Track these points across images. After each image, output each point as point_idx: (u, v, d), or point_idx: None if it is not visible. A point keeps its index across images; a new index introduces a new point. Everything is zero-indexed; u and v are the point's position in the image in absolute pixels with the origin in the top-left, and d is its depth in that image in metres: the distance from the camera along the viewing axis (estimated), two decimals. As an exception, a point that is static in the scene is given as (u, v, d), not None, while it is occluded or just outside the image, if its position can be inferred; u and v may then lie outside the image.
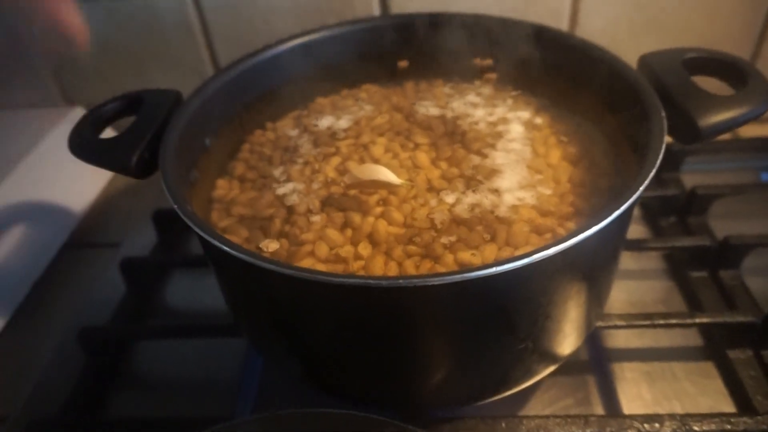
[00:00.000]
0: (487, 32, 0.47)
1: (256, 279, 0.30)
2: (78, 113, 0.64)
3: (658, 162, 0.30)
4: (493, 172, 0.37)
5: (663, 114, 0.33)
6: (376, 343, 0.30)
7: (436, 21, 0.47)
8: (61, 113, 0.63)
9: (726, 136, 0.64)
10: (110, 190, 0.65)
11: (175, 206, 0.30)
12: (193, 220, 0.29)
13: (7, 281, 0.51)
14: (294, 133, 0.44)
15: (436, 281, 0.24)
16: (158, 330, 0.45)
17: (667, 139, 0.34)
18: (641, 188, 0.28)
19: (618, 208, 0.28)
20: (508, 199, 0.35)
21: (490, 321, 0.29)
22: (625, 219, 0.33)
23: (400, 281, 0.25)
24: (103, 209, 0.63)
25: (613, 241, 0.33)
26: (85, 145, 0.36)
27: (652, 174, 0.29)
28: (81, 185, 0.62)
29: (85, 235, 0.59)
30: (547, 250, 0.26)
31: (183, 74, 0.64)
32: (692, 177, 0.56)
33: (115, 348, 0.44)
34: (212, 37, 0.63)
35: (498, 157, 0.38)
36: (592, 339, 0.45)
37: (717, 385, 0.41)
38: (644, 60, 0.39)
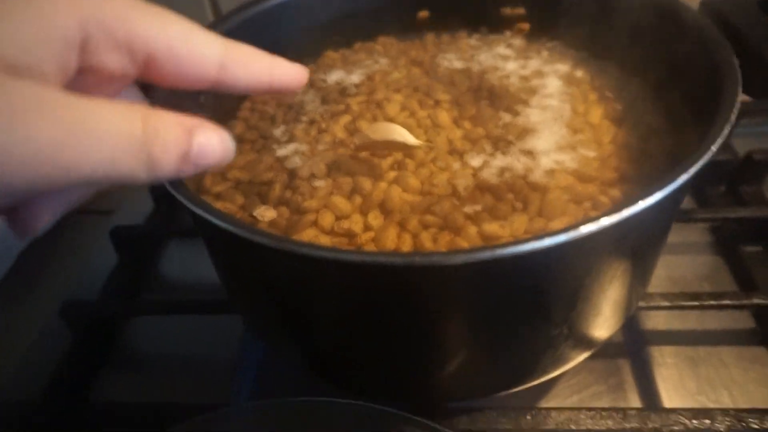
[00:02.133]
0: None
1: (247, 254, 0.26)
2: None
3: (733, 117, 0.25)
4: (526, 132, 0.32)
5: (735, 60, 0.28)
6: (387, 327, 0.26)
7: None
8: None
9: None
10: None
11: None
12: (174, 185, 0.25)
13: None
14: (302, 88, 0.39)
15: (460, 260, 0.20)
16: (150, 306, 0.42)
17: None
18: (713, 148, 0.23)
19: (683, 174, 0.23)
20: (545, 162, 0.30)
21: (522, 304, 0.25)
22: (687, 187, 0.28)
23: (416, 259, 0.20)
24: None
25: (669, 212, 0.28)
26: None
27: (725, 132, 0.24)
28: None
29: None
30: (599, 222, 0.21)
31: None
32: (744, 141, 0.50)
33: (103, 325, 0.41)
34: (213, -15, 0.57)
35: (532, 115, 0.33)
36: (628, 320, 0.41)
37: (771, 373, 0.37)
38: (711, 1, 0.33)
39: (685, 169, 0.22)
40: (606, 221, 0.21)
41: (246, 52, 0.23)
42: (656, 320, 0.41)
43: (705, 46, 0.30)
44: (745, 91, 0.29)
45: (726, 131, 0.24)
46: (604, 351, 0.39)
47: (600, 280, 0.26)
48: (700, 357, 0.38)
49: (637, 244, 0.26)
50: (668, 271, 0.44)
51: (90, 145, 0.17)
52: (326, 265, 0.22)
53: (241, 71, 0.22)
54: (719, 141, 0.23)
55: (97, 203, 0.55)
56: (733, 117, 0.24)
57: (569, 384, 0.38)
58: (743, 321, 0.40)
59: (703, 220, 0.44)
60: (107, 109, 0.18)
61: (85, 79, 0.20)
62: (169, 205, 0.51)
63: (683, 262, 0.44)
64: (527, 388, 0.35)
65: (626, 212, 0.21)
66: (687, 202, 0.48)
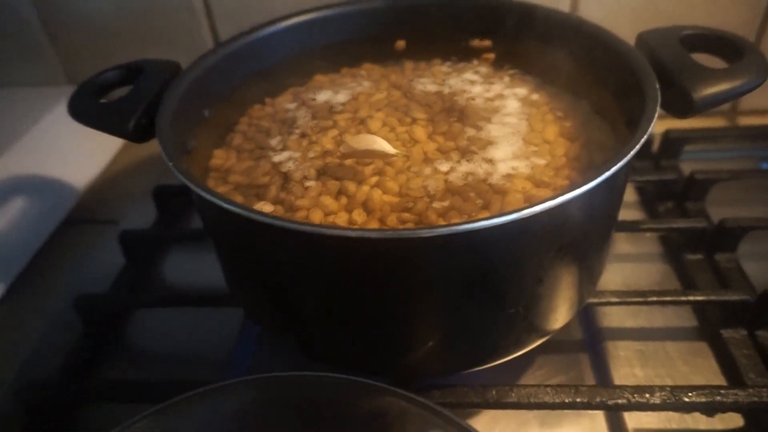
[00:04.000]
0: (484, 13, 0.47)
1: (245, 232, 0.30)
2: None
3: (651, 127, 0.30)
4: (488, 143, 0.37)
5: (657, 85, 0.33)
6: (362, 303, 0.30)
7: (434, 3, 0.48)
8: (64, 92, 0.63)
9: (726, 124, 0.65)
10: (113, 168, 0.65)
11: (170, 163, 0.31)
12: (186, 174, 0.29)
13: (6, 251, 0.51)
14: (292, 106, 0.45)
15: (425, 234, 0.25)
16: (154, 298, 0.45)
17: (663, 113, 0.34)
18: (632, 153, 0.29)
19: (607, 171, 0.28)
20: (502, 168, 0.35)
21: (480, 282, 0.29)
22: (614, 185, 0.33)
23: (389, 233, 0.25)
24: (104, 187, 0.63)
25: (604, 208, 0.33)
26: (84, 108, 0.37)
27: (643, 139, 0.29)
28: (83, 162, 0.63)
29: (86, 211, 0.60)
30: (535, 207, 0.26)
31: (187, 56, 0.64)
32: (691, 165, 0.56)
33: (111, 316, 0.45)
34: (215, 19, 0.63)
35: (493, 130, 0.38)
36: (587, 318, 0.45)
37: (710, 364, 0.41)
38: (642, 37, 0.39)
39: (604, 171, 0.27)
40: (539, 207, 0.25)
41: None
42: (611, 318, 0.45)
43: (636, 75, 0.35)
44: (667, 110, 0.35)
45: (642, 141, 0.29)
46: (566, 346, 0.44)
47: (546, 265, 0.30)
48: (649, 351, 0.43)
49: (578, 235, 0.31)
50: (623, 278, 0.49)
51: None
52: (307, 239, 0.27)
53: None
54: (636, 149, 0.29)
55: (103, 213, 0.59)
56: (649, 129, 0.30)
57: (534, 376, 0.42)
58: (688, 319, 0.44)
59: (651, 230, 0.49)
60: None
61: None
62: (173, 214, 0.55)
63: (636, 270, 0.49)
64: (497, 377, 0.39)
65: (557, 201, 0.26)
66: (639, 217, 0.53)
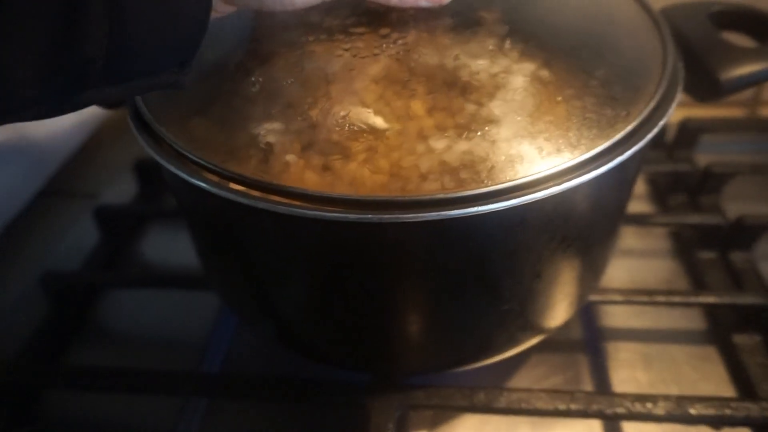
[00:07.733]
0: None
1: (212, 208, 0.27)
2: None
3: (671, 110, 0.27)
4: (489, 122, 0.34)
5: (680, 63, 0.30)
6: (342, 290, 0.28)
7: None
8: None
9: (746, 113, 0.61)
10: (95, 140, 0.62)
11: (135, 132, 0.28)
12: (151, 145, 0.26)
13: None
14: (282, 75, 0.41)
15: (407, 218, 0.22)
16: (127, 278, 0.43)
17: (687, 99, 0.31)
18: (648, 137, 0.25)
19: (620, 156, 0.25)
20: (503, 148, 0.32)
21: (472, 274, 0.26)
22: (626, 172, 0.30)
23: (369, 216, 0.22)
24: (85, 159, 0.60)
25: (614, 197, 0.30)
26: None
27: (662, 123, 0.26)
28: (64, 131, 0.60)
29: (63, 183, 0.57)
30: (536, 194, 0.23)
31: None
32: (707, 157, 0.53)
33: (80, 296, 0.42)
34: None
35: (496, 107, 0.35)
36: (587, 316, 0.42)
37: (719, 371, 0.38)
38: (666, 13, 0.35)
39: (616, 155, 0.24)
40: (540, 194, 0.22)
41: None
42: (614, 317, 0.42)
43: (657, 51, 0.32)
44: (689, 93, 0.31)
45: (660, 125, 0.26)
46: (564, 345, 0.41)
47: (546, 257, 0.27)
48: (653, 354, 0.40)
49: (584, 227, 0.28)
50: (629, 274, 0.46)
51: None
52: (288, 221, 0.24)
53: None
54: (654, 132, 0.25)
55: (81, 187, 0.56)
56: (669, 112, 0.26)
57: (528, 375, 0.39)
58: (696, 321, 0.42)
59: (662, 224, 0.46)
60: None
61: None
62: (154, 189, 0.52)
63: (644, 266, 0.46)
64: (488, 376, 0.36)
65: (561, 186, 0.23)
66: (649, 208, 0.50)
